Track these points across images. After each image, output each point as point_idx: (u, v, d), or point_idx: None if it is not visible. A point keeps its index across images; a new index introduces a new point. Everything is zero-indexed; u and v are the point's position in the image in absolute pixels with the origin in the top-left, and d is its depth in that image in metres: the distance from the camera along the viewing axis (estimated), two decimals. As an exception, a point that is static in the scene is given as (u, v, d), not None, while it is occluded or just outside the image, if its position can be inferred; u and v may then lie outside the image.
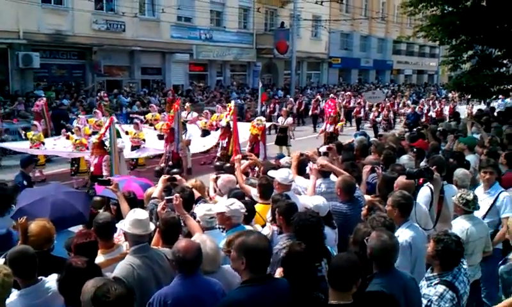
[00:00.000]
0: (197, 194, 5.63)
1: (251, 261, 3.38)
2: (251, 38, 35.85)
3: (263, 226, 5.17)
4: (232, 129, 13.87)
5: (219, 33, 32.94)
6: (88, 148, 13.04)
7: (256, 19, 35.37)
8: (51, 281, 3.72)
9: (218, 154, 14.23)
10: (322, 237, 4.31)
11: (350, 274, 3.26)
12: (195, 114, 18.08)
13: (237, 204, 4.76)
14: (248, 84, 35.99)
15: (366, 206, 5.05)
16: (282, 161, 7.58)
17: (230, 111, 14.20)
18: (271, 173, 6.01)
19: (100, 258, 4.31)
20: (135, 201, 6.03)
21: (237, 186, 6.16)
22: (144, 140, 14.33)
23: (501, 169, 6.87)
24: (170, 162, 12.29)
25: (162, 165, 12.24)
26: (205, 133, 16.51)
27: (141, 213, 4.25)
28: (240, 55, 35.00)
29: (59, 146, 14.02)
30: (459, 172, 6.27)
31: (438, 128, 11.80)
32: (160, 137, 14.50)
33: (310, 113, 26.17)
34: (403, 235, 4.52)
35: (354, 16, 42.16)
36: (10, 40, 21.94)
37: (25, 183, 8.38)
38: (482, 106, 22.69)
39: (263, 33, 36.38)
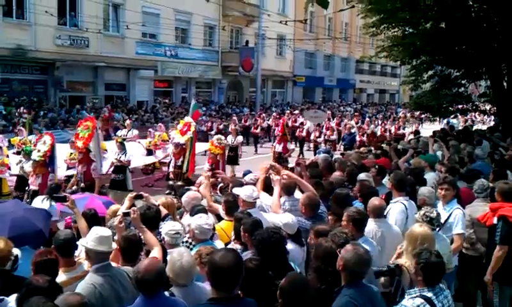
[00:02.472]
0: (164, 211, 5.60)
1: (215, 279, 3.37)
2: (217, 56, 35.99)
3: (227, 244, 5.16)
4: (185, 146, 12.91)
5: (184, 50, 32.95)
6: (10, 168, 12.31)
7: (221, 37, 35.54)
8: (13, 302, 3.59)
9: (171, 172, 13.14)
10: (285, 254, 4.32)
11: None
12: (136, 132, 17.27)
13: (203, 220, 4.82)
14: (213, 101, 36.05)
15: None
16: (247, 178, 7.58)
17: (189, 127, 13.12)
18: (235, 190, 6.02)
19: (61, 277, 4.21)
20: (97, 218, 5.94)
21: (202, 202, 6.14)
22: None
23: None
24: (82, 184, 10.90)
25: (74, 187, 10.92)
26: (149, 152, 15.79)
27: (104, 230, 4.20)
28: (206, 73, 35.05)
29: None
30: (425, 190, 6.28)
31: (399, 147, 12.06)
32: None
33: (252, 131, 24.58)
34: (359, 250, 4.59)
35: (318, 36, 42.82)
36: (-31, 54, 21.44)
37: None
38: (434, 126, 23.04)
39: (228, 51, 36.61)
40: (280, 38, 39.92)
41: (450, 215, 5.98)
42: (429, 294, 3.79)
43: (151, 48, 30.59)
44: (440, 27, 16.41)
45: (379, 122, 25.49)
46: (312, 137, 21.41)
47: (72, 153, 13.12)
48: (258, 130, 24.26)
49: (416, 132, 18.37)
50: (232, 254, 3.59)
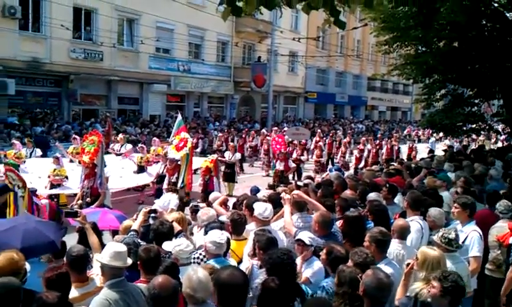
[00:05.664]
0: (177, 228, 5.59)
1: (223, 296, 3.33)
2: (229, 71, 36.17)
3: (238, 263, 5.12)
4: (180, 163, 12.65)
5: (197, 65, 33.16)
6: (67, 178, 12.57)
7: (234, 53, 35.77)
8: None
9: (164, 189, 12.63)
10: (295, 275, 4.24)
11: None
12: (129, 146, 16.66)
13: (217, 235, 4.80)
14: (225, 116, 36.19)
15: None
16: (259, 195, 7.57)
17: (185, 143, 12.64)
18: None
19: (74, 293, 4.19)
20: (96, 230, 5.95)
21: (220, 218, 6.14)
22: (67, 177, 12.78)
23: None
24: (88, 199, 10.90)
25: (80, 202, 10.78)
26: (140, 169, 15.08)
27: (119, 246, 4.20)
28: (218, 88, 35.22)
29: None
30: (435, 212, 6.05)
31: (412, 165, 11.99)
32: None
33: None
34: (383, 272, 4.53)
35: (330, 53, 42.97)
36: (-15, 66, 21.66)
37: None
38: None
39: (241, 67, 36.78)
40: (292, 55, 40.03)
41: (466, 237, 5.88)
42: None
43: (164, 63, 30.82)
44: (453, 46, 16.37)
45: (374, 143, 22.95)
46: (294, 156, 19.33)
47: (55, 170, 12.78)
48: (244, 149, 23.00)
49: (430, 151, 18.23)
50: (239, 272, 3.58)
